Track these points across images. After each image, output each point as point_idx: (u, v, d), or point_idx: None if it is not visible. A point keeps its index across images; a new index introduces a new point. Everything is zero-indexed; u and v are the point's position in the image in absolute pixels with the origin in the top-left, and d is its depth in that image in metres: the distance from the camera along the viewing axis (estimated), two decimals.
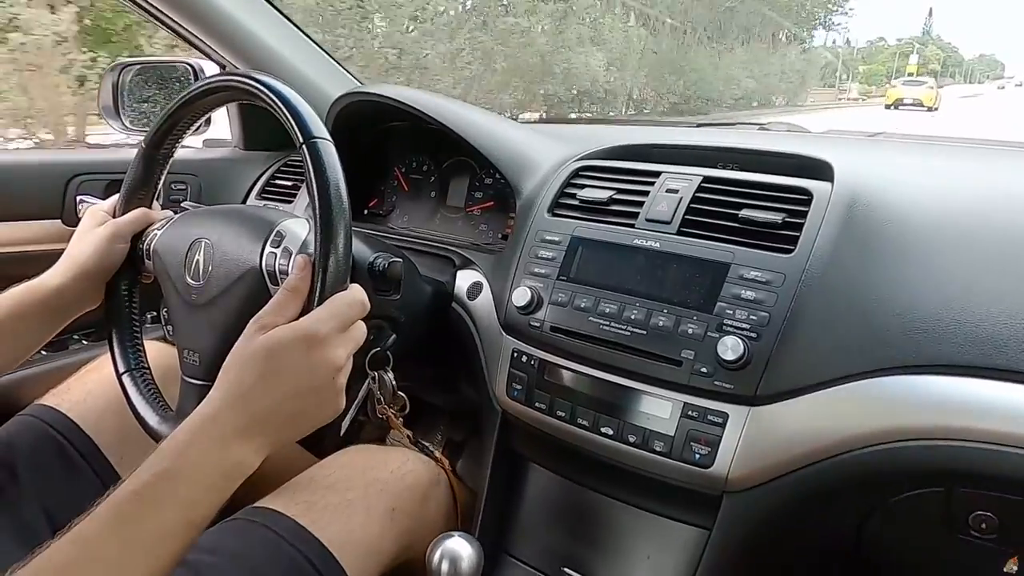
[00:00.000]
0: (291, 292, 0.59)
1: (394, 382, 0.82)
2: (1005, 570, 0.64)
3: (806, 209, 0.71)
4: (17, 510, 0.73)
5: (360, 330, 0.61)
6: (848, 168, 0.75)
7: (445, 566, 0.71)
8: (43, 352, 1.08)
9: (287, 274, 0.70)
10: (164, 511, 0.50)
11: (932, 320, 0.63)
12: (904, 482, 0.64)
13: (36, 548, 0.47)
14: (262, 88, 0.70)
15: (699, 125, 1.27)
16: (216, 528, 0.66)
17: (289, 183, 1.26)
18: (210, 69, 1.23)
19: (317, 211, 0.65)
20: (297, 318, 0.58)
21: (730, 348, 0.65)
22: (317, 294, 0.63)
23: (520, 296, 0.79)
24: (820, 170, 0.76)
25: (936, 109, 24.70)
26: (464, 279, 0.92)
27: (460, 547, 0.72)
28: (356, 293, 0.61)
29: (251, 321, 0.58)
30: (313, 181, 0.65)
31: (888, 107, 25.71)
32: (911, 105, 25.23)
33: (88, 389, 0.85)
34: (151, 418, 0.76)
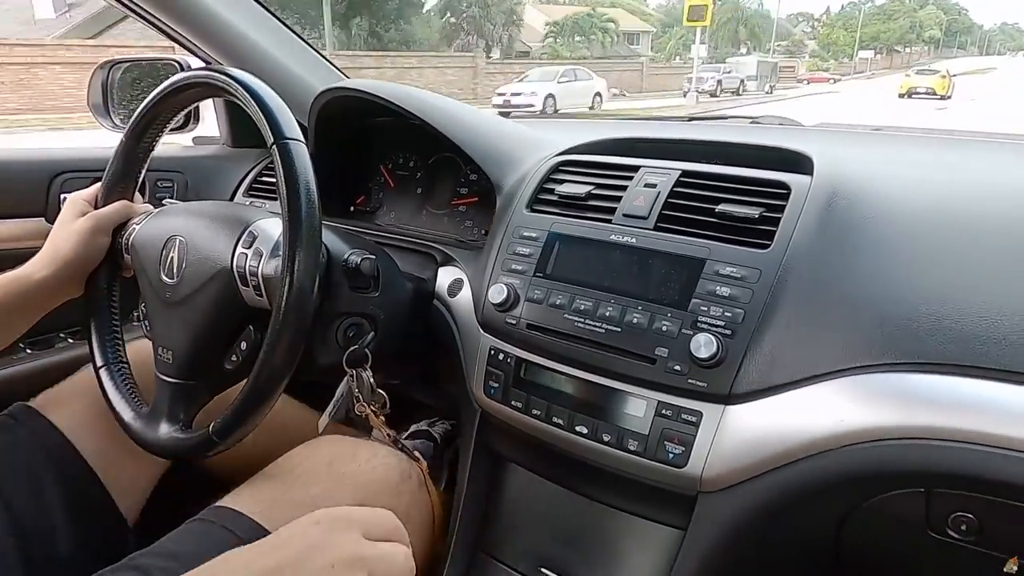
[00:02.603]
0: None
1: (372, 379, 0.81)
2: (1005, 570, 0.62)
3: (784, 203, 0.69)
4: None
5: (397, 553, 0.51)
6: (829, 161, 0.73)
7: None
8: (28, 351, 1.09)
9: (257, 276, 0.70)
10: None
11: (911, 317, 0.62)
12: (882, 483, 0.62)
13: None
14: (236, 85, 0.70)
15: (690, 119, 1.25)
16: (177, 532, 0.65)
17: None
18: (197, 65, 1.22)
19: (286, 211, 0.65)
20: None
21: (703, 346, 0.64)
22: (285, 291, 0.63)
23: (496, 293, 0.78)
24: (801, 163, 0.75)
25: (949, 97, 24.45)
26: (445, 276, 0.91)
27: None
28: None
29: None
30: (283, 181, 0.65)
31: (901, 96, 25.48)
32: (924, 94, 25.00)
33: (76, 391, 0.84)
34: (126, 413, 0.76)
